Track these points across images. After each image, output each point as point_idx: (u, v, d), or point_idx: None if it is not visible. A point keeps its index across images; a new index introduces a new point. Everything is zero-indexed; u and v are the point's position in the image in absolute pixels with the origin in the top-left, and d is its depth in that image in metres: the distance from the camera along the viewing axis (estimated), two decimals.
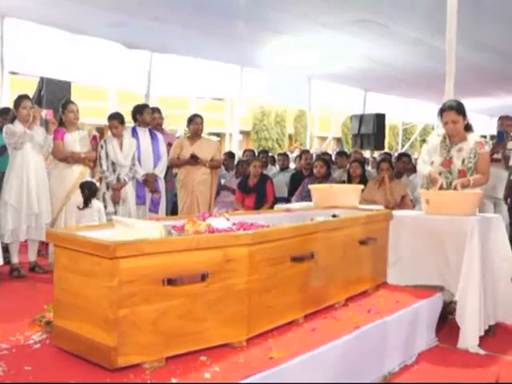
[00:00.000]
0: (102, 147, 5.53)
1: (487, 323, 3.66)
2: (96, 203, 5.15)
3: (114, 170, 5.52)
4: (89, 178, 5.25)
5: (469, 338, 3.50)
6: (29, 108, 5.14)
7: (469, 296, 3.51)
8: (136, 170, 5.65)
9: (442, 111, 4.08)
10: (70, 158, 5.34)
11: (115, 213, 5.39)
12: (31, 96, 7.36)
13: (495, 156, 5.76)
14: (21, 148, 5.07)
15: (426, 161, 4.18)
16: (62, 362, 2.33)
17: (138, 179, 5.69)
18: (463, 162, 4.04)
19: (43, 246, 5.91)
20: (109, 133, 5.70)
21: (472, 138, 4.09)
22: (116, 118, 5.57)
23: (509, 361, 3.42)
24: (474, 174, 4.01)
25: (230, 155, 8.70)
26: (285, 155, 9.05)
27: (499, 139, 6.05)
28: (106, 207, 5.43)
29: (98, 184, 5.29)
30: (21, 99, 5.20)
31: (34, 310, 2.98)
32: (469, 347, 3.49)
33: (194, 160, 6.05)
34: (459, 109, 4.02)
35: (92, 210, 5.08)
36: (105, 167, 5.50)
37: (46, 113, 5.62)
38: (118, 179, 5.52)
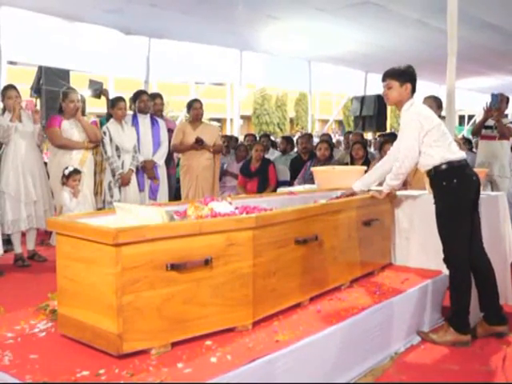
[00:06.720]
0: (105, 133, 5.43)
1: None
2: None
3: (119, 156, 5.44)
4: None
5: None
6: (14, 98, 5.08)
7: None
8: (137, 158, 5.58)
9: None
10: (68, 143, 5.20)
11: (121, 201, 5.33)
12: (30, 86, 7.35)
13: (489, 133, 5.66)
14: (8, 142, 5.03)
15: None
16: (67, 350, 2.33)
17: (136, 166, 5.62)
18: None
19: (47, 235, 5.91)
20: (111, 120, 5.61)
21: None
22: (123, 100, 5.53)
23: None
24: None
25: (231, 139, 8.64)
26: (287, 139, 8.93)
27: (493, 101, 5.70)
28: (112, 196, 5.38)
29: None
30: (6, 90, 5.16)
31: (37, 298, 2.98)
32: None
33: (200, 144, 5.95)
34: None
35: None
36: (110, 153, 5.40)
37: (26, 104, 5.56)
38: (123, 166, 5.45)
